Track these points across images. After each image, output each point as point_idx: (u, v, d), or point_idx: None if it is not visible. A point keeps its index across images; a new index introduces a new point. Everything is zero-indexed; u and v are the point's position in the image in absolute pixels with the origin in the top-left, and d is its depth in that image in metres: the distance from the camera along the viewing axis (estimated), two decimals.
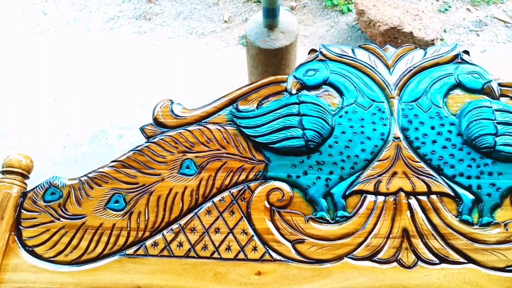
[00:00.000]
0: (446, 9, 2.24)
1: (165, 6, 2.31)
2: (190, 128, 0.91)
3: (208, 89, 1.76)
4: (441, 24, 2.03)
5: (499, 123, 0.87)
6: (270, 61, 1.55)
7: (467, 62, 0.95)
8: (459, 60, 0.96)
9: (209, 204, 0.85)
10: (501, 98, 0.92)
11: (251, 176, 0.87)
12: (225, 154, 0.89)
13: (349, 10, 2.28)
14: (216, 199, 0.85)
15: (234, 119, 0.91)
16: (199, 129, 0.91)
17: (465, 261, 0.78)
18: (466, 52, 0.97)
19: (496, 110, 0.88)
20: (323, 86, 0.95)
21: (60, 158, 1.72)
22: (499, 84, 0.93)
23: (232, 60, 1.97)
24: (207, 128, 0.91)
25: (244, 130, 0.90)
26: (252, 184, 0.86)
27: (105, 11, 2.26)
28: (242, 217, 0.83)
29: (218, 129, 0.91)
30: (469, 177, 0.84)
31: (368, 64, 0.96)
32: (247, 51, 1.62)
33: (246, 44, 1.58)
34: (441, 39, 2.15)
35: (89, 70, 2.03)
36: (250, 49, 1.57)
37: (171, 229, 0.83)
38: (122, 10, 2.26)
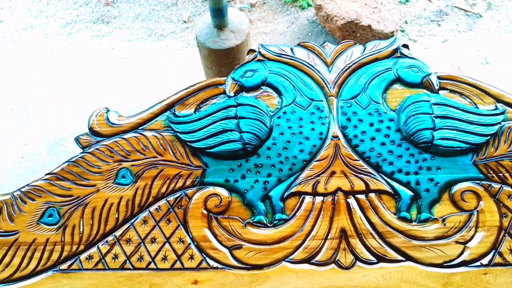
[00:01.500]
0: (407, 0, 2.24)
1: (123, 8, 2.27)
2: (126, 136, 0.88)
3: (168, 91, 1.73)
4: (401, 15, 2.02)
5: (437, 117, 0.86)
6: (222, 61, 1.53)
7: (406, 56, 0.94)
8: (398, 55, 0.94)
9: (145, 213, 0.83)
10: (440, 91, 0.91)
11: (188, 182, 0.85)
12: (161, 162, 0.86)
13: (309, 5, 2.26)
14: (152, 208, 0.83)
15: (171, 124, 0.89)
16: (135, 136, 0.88)
17: (403, 259, 0.78)
18: (405, 46, 0.96)
19: (434, 104, 0.88)
20: (262, 87, 0.93)
21: (18, 169, 1.69)
22: (438, 77, 0.92)
23: (192, 61, 1.95)
24: (144, 135, 0.89)
25: (180, 135, 0.88)
26: (189, 191, 0.84)
27: (62, 16, 2.21)
28: (179, 225, 0.82)
29: (155, 136, 0.89)
30: (407, 173, 0.84)
31: (307, 63, 0.94)
32: (199, 52, 1.60)
33: (198, 45, 1.56)
34: (402, 31, 2.14)
35: (46, 77, 1.99)
36: (202, 50, 1.55)
37: (106, 241, 0.81)
38: (80, 14, 2.22)
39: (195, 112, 0.91)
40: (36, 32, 2.21)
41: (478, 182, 0.82)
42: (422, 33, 2.09)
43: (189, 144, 0.87)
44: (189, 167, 0.86)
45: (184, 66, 1.94)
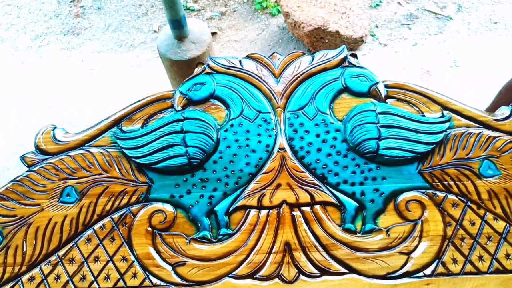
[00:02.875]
0: (377, 4, 2.24)
1: (93, 19, 2.26)
2: (72, 153, 0.88)
3: None
4: (370, 20, 2.03)
5: (382, 126, 0.86)
6: (185, 72, 1.52)
7: (354, 66, 0.94)
8: (347, 64, 0.94)
9: (89, 232, 0.82)
10: (387, 100, 0.91)
11: (133, 199, 0.84)
12: (107, 178, 0.86)
13: (279, 12, 2.26)
14: (96, 226, 0.82)
15: (117, 140, 0.88)
16: (81, 153, 0.88)
17: (347, 272, 0.77)
18: (354, 55, 0.96)
19: (380, 113, 0.87)
20: (210, 100, 0.93)
21: None
22: (386, 86, 0.92)
23: (162, 71, 1.94)
24: (90, 152, 0.88)
25: (126, 151, 0.87)
26: (134, 208, 0.84)
27: (33, 29, 2.20)
28: (122, 243, 0.81)
29: (101, 153, 0.88)
30: (353, 184, 0.83)
31: (255, 74, 0.94)
32: (163, 64, 1.60)
33: (160, 57, 1.55)
34: (372, 35, 2.14)
35: (16, 90, 1.98)
36: (164, 61, 1.54)
37: (49, 261, 0.80)
38: (50, 26, 2.21)
39: (142, 127, 0.90)
40: (6, 46, 2.20)
41: (423, 191, 0.82)
42: (393, 37, 2.10)
43: (135, 160, 0.86)
44: (134, 183, 0.85)
45: (154, 76, 1.93)
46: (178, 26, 1.47)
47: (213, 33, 2.20)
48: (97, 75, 2.02)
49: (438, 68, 1.90)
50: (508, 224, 0.79)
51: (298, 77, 0.93)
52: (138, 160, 0.86)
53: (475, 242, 0.78)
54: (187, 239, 0.81)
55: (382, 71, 1.92)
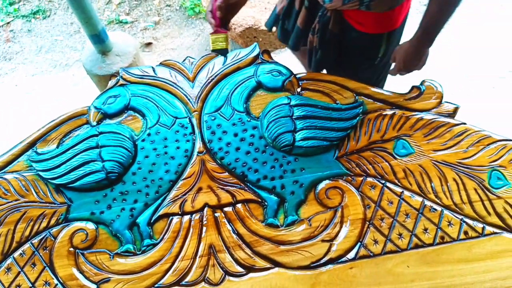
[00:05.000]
0: None
1: (24, 42, 2.21)
2: None
3: None
4: None
5: (297, 118, 0.87)
6: None
7: (267, 62, 0.95)
8: (260, 61, 0.95)
9: (9, 261, 0.80)
10: (302, 92, 0.91)
11: (53, 221, 0.82)
12: (24, 204, 0.83)
13: None
14: (16, 254, 0.80)
15: (32, 164, 0.86)
16: None
17: (272, 266, 0.77)
18: (266, 51, 0.97)
19: (294, 106, 0.88)
20: (125, 112, 0.92)
21: None
22: (299, 78, 0.93)
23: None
24: (4, 179, 0.86)
25: (42, 174, 0.85)
26: (54, 230, 0.82)
27: None
28: (44, 267, 0.79)
29: (17, 178, 0.86)
30: (273, 179, 0.83)
31: (170, 81, 0.93)
32: (91, 79, 1.57)
33: (87, 73, 1.53)
34: None
35: None
36: (91, 77, 1.52)
37: None
38: None
39: (57, 147, 0.88)
40: None
41: (342, 177, 0.83)
42: None
43: (51, 181, 0.84)
44: (53, 205, 0.84)
45: (91, 93, 1.90)
46: (98, 40, 1.45)
47: (149, 44, 2.19)
48: (34, 99, 1.97)
49: None
50: (424, 199, 0.80)
51: (213, 79, 0.93)
52: (54, 181, 0.84)
53: (394, 221, 0.79)
54: (110, 255, 0.80)
55: None
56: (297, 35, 1.29)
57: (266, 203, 0.82)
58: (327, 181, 0.83)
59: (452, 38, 1.99)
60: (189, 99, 0.91)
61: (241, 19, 1.86)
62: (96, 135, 0.87)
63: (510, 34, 2.01)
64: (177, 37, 2.17)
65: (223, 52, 1.00)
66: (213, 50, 1.04)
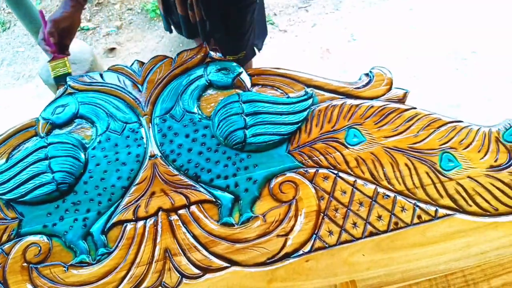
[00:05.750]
0: None
1: None
2: None
3: None
4: (266, 10, 2.04)
5: (247, 114, 0.86)
6: None
7: (217, 60, 0.94)
8: (209, 60, 0.94)
9: None
10: (253, 88, 0.91)
11: (4, 237, 0.81)
12: None
13: None
14: None
15: None
16: None
17: (228, 265, 0.77)
18: (215, 49, 0.96)
19: (244, 102, 0.87)
20: (75, 120, 0.90)
21: None
22: (249, 74, 0.92)
23: None
24: None
25: None
26: (6, 246, 0.80)
27: None
28: None
29: None
30: (226, 177, 0.83)
31: (118, 86, 0.92)
32: (50, 90, 1.55)
33: (45, 84, 1.51)
34: (272, 23, 2.17)
35: None
36: (50, 88, 1.50)
37: None
38: None
39: (6, 161, 0.86)
40: None
41: (295, 170, 0.83)
42: (292, 21, 2.12)
43: (1, 197, 0.83)
44: (4, 221, 0.82)
45: None
46: None
47: (112, 49, 2.16)
48: None
49: (337, 45, 1.94)
50: (377, 187, 0.80)
51: (162, 81, 0.92)
52: (4, 197, 0.83)
53: (348, 210, 0.79)
54: (65, 267, 0.78)
55: (283, 57, 1.94)
56: (185, 23, 1.31)
57: (220, 202, 0.81)
58: (280, 176, 0.82)
59: (415, 19, 2.01)
60: (138, 103, 0.90)
61: None
62: (45, 147, 0.86)
63: (470, 15, 2.03)
64: (140, 41, 2.15)
65: (65, 76, 0.97)
66: (55, 78, 1.01)
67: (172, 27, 1.45)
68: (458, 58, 1.81)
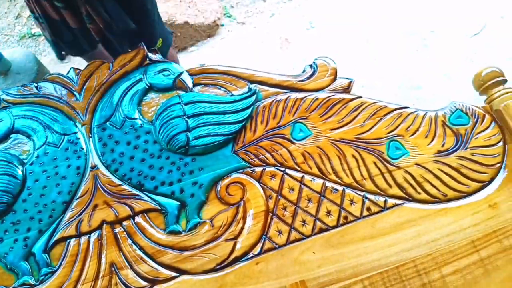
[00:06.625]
0: None
1: None
2: None
3: None
4: (220, 3, 2.00)
5: (189, 116, 0.83)
6: None
7: (157, 61, 0.90)
8: (148, 62, 0.90)
9: None
10: (195, 88, 0.87)
11: None
12: None
13: None
14: None
15: None
16: None
17: (177, 275, 0.74)
18: (154, 50, 0.92)
19: (186, 104, 0.84)
20: (11, 136, 0.86)
21: None
22: (190, 74, 0.89)
23: None
24: None
25: None
26: None
27: None
28: None
29: None
30: (171, 184, 0.80)
31: (55, 96, 0.88)
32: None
33: None
34: (229, 16, 2.12)
35: None
36: None
37: None
38: None
39: None
40: None
41: (241, 171, 0.80)
42: (250, 13, 2.08)
43: None
44: None
45: None
46: None
47: (66, 54, 2.10)
48: None
49: (296, 34, 1.91)
50: (325, 181, 0.78)
51: (100, 87, 0.88)
52: None
53: (296, 208, 0.77)
54: None
55: (241, 50, 1.90)
56: (83, 35, 1.27)
57: (166, 210, 0.78)
58: (227, 178, 0.80)
59: (372, 2, 1.98)
60: (77, 113, 0.86)
61: None
62: None
63: None
64: None
65: None
66: None
67: (64, 53, 1.40)
68: (418, 39, 1.80)
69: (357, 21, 1.88)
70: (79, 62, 1.95)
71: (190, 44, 1.91)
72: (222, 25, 1.94)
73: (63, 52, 1.39)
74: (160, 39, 1.37)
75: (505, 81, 0.82)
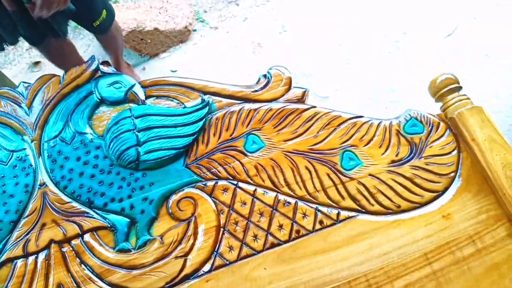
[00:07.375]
0: None
1: None
2: None
3: None
4: (192, 8, 1.98)
5: (140, 130, 0.81)
6: None
7: (109, 74, 0.88)
8: (100, 74, 0.88)
9: None
10: (147, 101, 0.85)
11: None
12: None
13: None
14: None
15: None
16: None
17: None
18: (105, 62, 0.90)
19: (136, 117, 0.82)
20: None
21: None
22: (143, 86, 0.87)
23: None
24: None
25: None
26: None
27: None
28: None
29: None
30: (121, 200, 0.78)
31: (4, 112, 0.85)
32: None
33: None
34: (202, 21, 2.10)
35: None
36: None
37: None
38: None
39: None
40: None
41: (193, 185, 0.78)
42: (223, 17, 2.06)
43: None
44: None
45: None
46: None
47: (37, 62, 2.07)
48: None
49: (268, 38, 1.90)
50: (278, 194, 0.77)
51: (50, 102, 0.86)
52: None
53: (248, 222, 0.75)
54: None
55: (214, 55, 1.88)
56: (23, 18, 1.25)
57: (115, 228, 0.76)
58: (178, 193, 0.78)
59: (344, 5, 1.97)
60: (25, 129, 0.84)
61: (122, 23, 1.78)
62: None
63: None
64: None
65: None
66: None
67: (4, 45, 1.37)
68: (390, 41, 1.79)
69: (329, 24, 1.87)
70: (51, 70, 1.93)
71: (162, 50, 1.89)
72: (195, 30, 1.92)
73: (3, 43, 1.35)
74: (104, 10, 1.37)
75: (459, 88, 0.81)
